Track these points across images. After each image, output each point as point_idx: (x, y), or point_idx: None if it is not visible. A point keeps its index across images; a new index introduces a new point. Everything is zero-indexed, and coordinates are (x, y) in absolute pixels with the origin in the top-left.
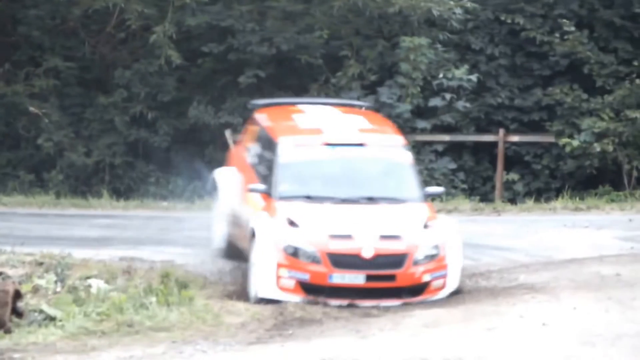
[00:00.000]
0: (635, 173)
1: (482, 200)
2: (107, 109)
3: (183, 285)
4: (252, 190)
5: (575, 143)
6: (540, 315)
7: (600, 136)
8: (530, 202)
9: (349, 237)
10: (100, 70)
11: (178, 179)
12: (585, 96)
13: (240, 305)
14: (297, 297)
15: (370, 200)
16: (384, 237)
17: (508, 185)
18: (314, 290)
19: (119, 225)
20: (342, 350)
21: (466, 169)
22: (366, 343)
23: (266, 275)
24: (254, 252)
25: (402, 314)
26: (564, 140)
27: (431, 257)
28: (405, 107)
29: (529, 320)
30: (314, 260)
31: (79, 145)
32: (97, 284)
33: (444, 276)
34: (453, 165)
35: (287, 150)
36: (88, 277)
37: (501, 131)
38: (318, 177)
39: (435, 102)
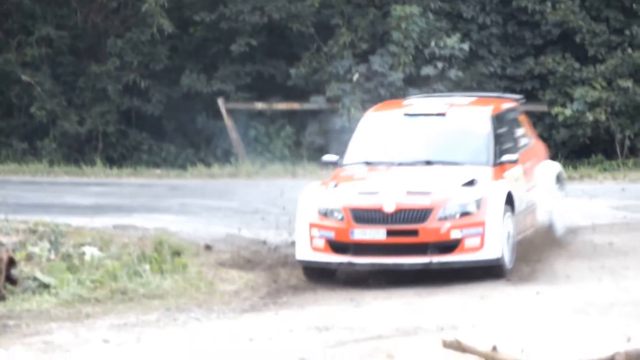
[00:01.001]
0: (627, 142)
1: None
2: (100, 78)
3: (176, 253)
4: (324, 162)
5: (568, 112)
6: (533, 284)
7: (592, 105)
8: None
9: (374, 193)
10: (93, 39)
11: (171, 147)
12: (577, 65)
13: (234, 273)
14: (328, 257)
15: (427, 163)
16: (411, 192)
17: None
18: (340, 248)
19: (112, 193)
20: (336, 319)
21: None
22: (360, 311)
23: (301, 237)
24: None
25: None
26: (557, 109)
27: (464, 214)
28: (397, 76)
29: (522, 288)
30: (339, 217)
31: (71, 114)
32: (90, 252)
33: (479, 234)
34: None
35: (365, 121)
36: (82, 245)
37: None
38: (386, 145)
39: (427, 70)
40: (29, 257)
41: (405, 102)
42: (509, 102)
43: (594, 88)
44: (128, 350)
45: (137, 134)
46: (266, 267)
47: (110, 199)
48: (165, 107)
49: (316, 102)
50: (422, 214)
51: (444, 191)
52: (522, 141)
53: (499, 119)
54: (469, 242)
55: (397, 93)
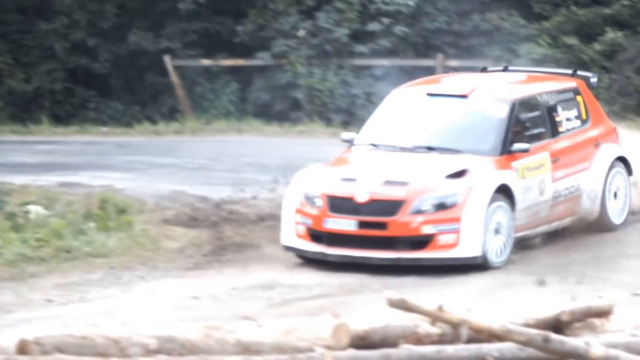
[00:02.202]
0: None
1: None
2: (47, 36)
3: (122, 211)
4: (343, 140)
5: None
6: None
7: (538, 62)
8: None
9: (352, 180)
10: None
11: (118, 104)
12: (522, 22)
13: (179, 230)
14: (306, 245)
15: (429, 149)
16: (388, 182)
17: None
18: (317, 237)
19: (58, 151)
20: (281, 277)
21: None
22: (306, 270)
23: (286, 222)
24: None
25: None
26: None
27: (440, 208)
28: (342, 32)
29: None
30: (318, 204)
31: (18, 72)
32: (35, 210)
33: (454, 231)
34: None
35: (388, 100)
36: (27, 204)
37: (440, 56)
38: (397, 127)
39: (373, 26)
40: None
41: (444, 78)
42: (563, 82)
43: (540, 45)
44: (72, 310)
45: (84, 92)
46: (210, 225)
47: (57, 157)
48: (113, 65)
49: (262, 59)
50: (393, 206)
51: (423, 182)
52: (568, 124)
53: (526, 104)
54: (442, 239)
55: (342, 49)
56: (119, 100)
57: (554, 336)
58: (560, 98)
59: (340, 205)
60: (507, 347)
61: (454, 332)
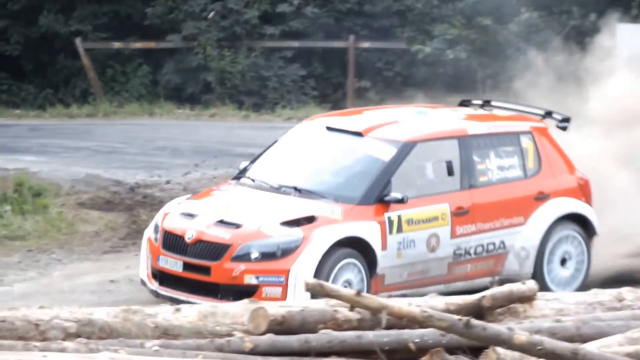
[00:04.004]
0: (490, 81)
1: (333, 107)
2: None
3: (37, 194)
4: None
5: (428, 50)
6: None
7: (452, 43)
8: None
9: (191, 216)
10: None
11: (30, 87)
12: (436, 2)
13: (94, 214)
14: (148, 282)
15: (295, 190)
16: (221, 222)
17: (360, 93)
18: (154, 274)
19: None
20: None
21: (316, 75)
22: None
23: (141, 255)
24: None
25: None
26: (417, 47)
27: (266, 257)
28: (252, 13)
29: None
30: (157, 239)
31: None
32: None
33: (280, 284)
34: (303, 72)
35: (291, 130)
36: None
37: (351, 37)
38: (285, 162)
39: (283, 7)
40: None
41: (367, 111)
42: (513, 125)
43: (454, 26)
44: None
45: None
46: (126, 208)
47: None
48: (24, 48)
49: (172, 41)
50: (218, 250)
51: (255, 226)
52: (499, 173)
53: (429, 148)
54: (268, 291)
55: (252, 31)
56: (31, 84)
57: (476, 322)
58: (494, 143)
59: (172, 242)
60: (429, 332)
61: (373, 317)
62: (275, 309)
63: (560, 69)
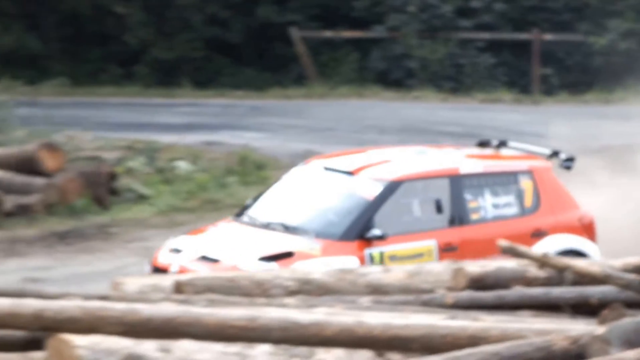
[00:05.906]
0: None
1: (521, 92)
2: (186, 9)
3: (259, 167)
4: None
5: (603, 41)
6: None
7: (625, 35)
8: (564, 95)
9: (177, 251)
10: None
11: (250, 71)
12: None
13: None
14: None
15: (284, 228)
16: (202, 258)
17: (544, 79)
18: None
19: (200, 113)
20: None
21: (505, 63)
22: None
23: None
24: None
25: None
26: (593, 39)
27: None
28: (447, 8)
29: None
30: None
31: (161, 42)
32: (183, 166)
33: None
34: (493, 60)
35: (293, 170)
36: (174, 160)
37: (535, 30)
38: (282, 200)
39: (475, 3)
40: (128, 171)
41: (370, 151)
42: (513, 164)
43: (626, 20)
44: None
45: (219, 60)
46: None
47: (199, 118)
48: (244, 36)
49: (377, 31)
50: None
51: (232, 262)
52: (493, 211)
53: (417, 186)
54: None
55: (448, 24)
56: (250, 67)
57: None
58: (489, 181)
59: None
60: (608, 289)
61: (559, 275)
62: (474, 268)
63: None
